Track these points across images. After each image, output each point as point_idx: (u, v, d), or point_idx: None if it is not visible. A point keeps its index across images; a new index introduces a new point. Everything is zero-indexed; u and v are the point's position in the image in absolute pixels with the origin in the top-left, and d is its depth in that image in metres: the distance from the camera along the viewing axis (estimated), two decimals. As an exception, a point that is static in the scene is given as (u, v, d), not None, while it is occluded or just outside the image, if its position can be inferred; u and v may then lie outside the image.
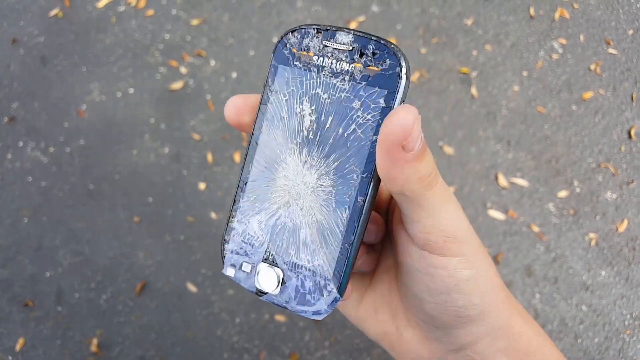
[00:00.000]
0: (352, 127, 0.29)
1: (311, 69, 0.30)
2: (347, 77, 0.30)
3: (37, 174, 1.65)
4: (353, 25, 1.76)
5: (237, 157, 1.63)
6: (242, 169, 0.33)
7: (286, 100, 0.31)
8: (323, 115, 0.30)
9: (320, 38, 0.30)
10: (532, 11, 1.79)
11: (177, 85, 1.71)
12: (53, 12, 1.82)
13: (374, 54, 0.29)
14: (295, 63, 0.31)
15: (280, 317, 1.50)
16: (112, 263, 1.56)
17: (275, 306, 0.33)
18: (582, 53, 1.75)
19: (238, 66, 1.74)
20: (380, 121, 0.29)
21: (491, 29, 1.77)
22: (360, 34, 0.29)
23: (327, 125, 0.30)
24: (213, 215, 1.58)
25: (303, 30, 0.31)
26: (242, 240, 0.32)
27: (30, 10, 1.84)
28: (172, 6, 1.82)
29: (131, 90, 1.72)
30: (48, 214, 1.61)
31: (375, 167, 0.29)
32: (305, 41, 0.31)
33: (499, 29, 1.77)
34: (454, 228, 0.30)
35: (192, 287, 1.53)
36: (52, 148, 1.67)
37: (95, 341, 1.49)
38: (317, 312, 0.30)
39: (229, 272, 0.33)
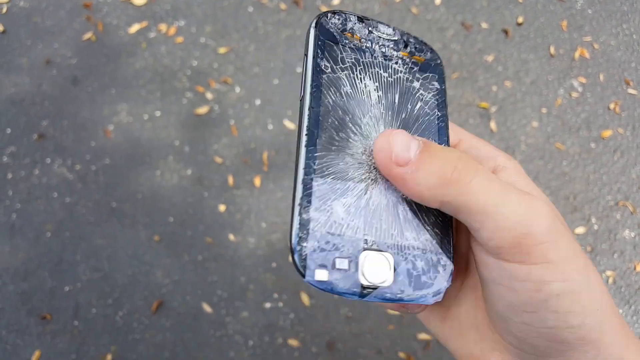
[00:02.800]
0: (419, 104, 0.32)
1: (363, 49, 0.32)
2: (400, 61, 0.33)
3: (62, 190, 1.78)
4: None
5: (257, 182, 1.75)
6: (305, 146, 0.28)
7: (346, 74, 0.30)
8: (389, 91, 0.31)
9: (364, 25, 0.32)
10: (552, 50, 1.91)
11: (203, 110, 1.86)
12: (86, 36, 2.00)
13: (415, 46, 0.33)
14: (344, 41, 0.31)
15: (293, 342, 1.58)
16: (130, 280, 1.67)
17: (386, 303, 0.28)
18: (602, 92, 1.86)
19: (262, 94, 1.88)
20: (439, 100, 0.33)
21: (511, 66, 1.90)
22: (400, 30, 0.33)
23: (396, 101, 0.31)
24: (232, 237, 1.69)
25: (344, 14, 0.32)
26: (328, 232, 0.27)
27: (65, 34, 2.01)
28: (201, 34, 1.98)
29: (158, 113, 1.87)
30: (70, 229, 1.73)
31: (448, 139, 0.32)
32: (349, 25, 0.32)
33: (519, 66, 1.90)
34: (526, 224, 0.25)
35: (207, 308, 1.62)
36: (78, 166, 1.81)
37: (109, 357, 1.58)
38: (437, 293, 0.28)
39: (320, 275, 0.26)
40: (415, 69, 0.33)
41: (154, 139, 1.83)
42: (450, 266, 0.29)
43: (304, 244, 0.26)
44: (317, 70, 0.30)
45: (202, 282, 1.65)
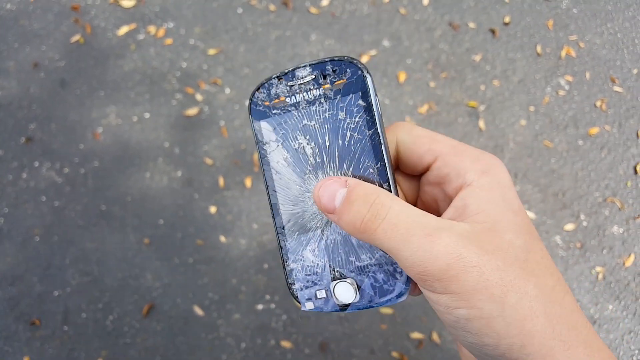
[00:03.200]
0: (348, 134, 0.34)
1: (289, 109, 0.35)
2: (322, 99, 0.34)
3: (50, 193, 1.73)
4: (364, 59, 1.88)
5: (248, 182, 1.72)
6: (274, 218, 0.36)
7: (282, 144, 0.35)
8: (320, 138, 0.34)
9: (283, 82, 0.35)
10: (539, 49, 1.90)
11: (193, 111, 1.82)
12: (74, 39, 1.95)
13: (334, 71, 0.34)
14: (273, 112, 0.35)
15: (286, 344, 1.55)
16: (120, 284, 1.62)
17: (363, 310, 0.39)
18: (588, 90, 1.86)
19: (252, 94, 1.84)
20: (366, 117, 0.34)
21: (499, 65, 1.88)
22: (314, 62, 0.34)
23: (328, 143, 0.34)
24: (222, 238, 1.65)
25: (266, 84, 0.35)
26: (305, 275, 0.35)
27: (53, 36, 1.97)
28: (190, 36, 1.95)
29: (147, 115, 1.83)
30: (59, 233, 1.68)
31: (384, 154, 0.33)
32: (273, 91, 0.35)
33: (506, 65, 1.89)
34: (424, 266, 0.28)
35: (198, 311, 1.58)
36: (67, 169, 1.76)
37: (100, 362, 1.54)
38: (399, 294, 0.34)
39: (309, 306, 0.35)
40: (338, 97, 0.34)
41: (144, 141, 1.79)
42: (404, 272, 0.32)
43: (294, 287, 0.35)
44: (262, 153, 0.35)
45: (193, 285, 1.61)
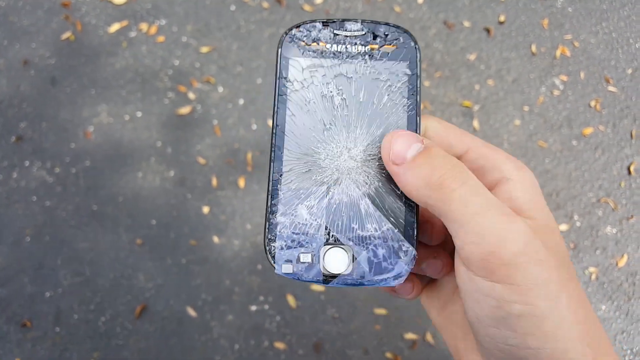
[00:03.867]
0: (386, 96, 0.32)
1: (327, 55, 0.32)
2: (367, 57, 0.32)
3: (41, 193, 1.66)
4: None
5: (241, 182, 1.65)
6: (272, 161, 0.32)
7: (309, 86, 0.32)
8: (353, 92, 0.32)
9: (329, 29, 0.32)
10: (533, 48, 1.84)
11: (185, 110, 1.75)
12: (65, 36, 1.87)
13: (385, 35, 0.32)
14: (308, 53, 0.32)
15: (279, 345, 1.50)
16: (112, 285, 1.56)
17: (349, 287, 0.32)
18: (583, 90, 1.80)
19: (245, 93, 1.78)
20: (409, 86, 0.32)
21: (493, 65, 1.82)
22: (368, 21, 0.32)
23: (360, 100, 0.32)
24: (216, 239, 1.59)
25: (308, 24, 0.32)
26: (293, 232, 0.31)
27: (43, 33, 1.88)
28: (182, 33, 1.87)
29: (139, 114, 1.76)
30: (51, 233, 1.62)
31: (418, 126, 0.32)
32: (313, 34, 0.32)
33: (501, 65, 1.82)
34: (495, 243, 0.25)
35: (191, 312, 1.53)
36: (58, 168, 1.69)
37: (91, 365, 1.48)
38: (398, 276, 0.30)
39: (286, 269, 0.30)
40: (384, 59, 0.32)
41: (136, 140, 1.72)
42: (412, 252, 0.30)
43: (273, 244, 0.31)
44: (282, 90, 0.32)
45: (186, 286, 1.55)
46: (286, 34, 0.33)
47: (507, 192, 0.30)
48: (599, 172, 1.71)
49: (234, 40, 1.85)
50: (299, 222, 0.31)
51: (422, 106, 0.33)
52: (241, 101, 1.76)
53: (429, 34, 1.86)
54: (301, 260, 0.30)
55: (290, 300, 1.54)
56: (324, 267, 0.30)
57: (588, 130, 1.75)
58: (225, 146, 1.70)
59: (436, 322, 0.36)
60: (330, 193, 0.31)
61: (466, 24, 1.87)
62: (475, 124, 1.74)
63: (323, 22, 0.32)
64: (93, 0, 1.92)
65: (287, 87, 0.32)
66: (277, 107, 0.32)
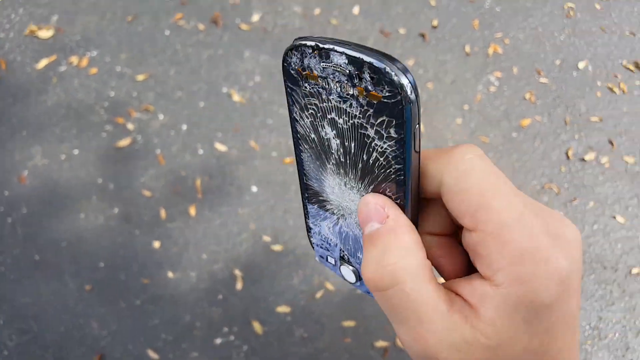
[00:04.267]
0: (374, 155, 0.27)
1: (320, 91, 0.27)
2: (354, 102, 0.26)
3: (-25, 248, 1.51)
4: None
5: (192, 211, 1.56)
6: (298, 176, 0.32)
7: (310, 122, 0.29)
8: (345, 140, 0.28)
9: (317, 58, 0.26)
10: (467, 49, 1.86)
11: (125, 142, 1.64)
12: (-12, 76, 1.73)
13: (371, 77, 0.24)
14: (304, 85, 0.27)
15: (249, 376, 1.42)
16: (63, 338, 1.43)
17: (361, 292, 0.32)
18: (517, 84, 1.83)
19: (188, 118, 1.69)
20: (397, 152, 0.25)
21: (431, 68, 1.82)
22: (353, 55, 0.24)
23: (352, 150, 0.28)
24: (170, 274, 1.49)
25: (301, 48, 0.26)
26: (321, 239, 0.34)
27: (-37, 76, 1.73)
28: (116, 63, 1.76)
29: (76, 152, 1.63)
30: (-11, 290, 1.47)
31: (407, 194, 0.27)
32: (306, 60, 0.27)
33: (438, 68, 1.83)
34: (411, 353, 0.26)
35: (153, 354, 1.42)
36: (-9, 219, 1.54)
37: None
38: None
39: (320, 260, 0.35)
40: (370, 111, 0.25)
41: (74, 180, 1.60)
42: None
43: (311, 239, 0.34)
44: (293, 118, 0.29)
45: (143, 328, 1.44)
46: (284, 57, 0.27)
47: (482, 294, 0.24)
48: (540, 161, 1.74)
49: (171, 66, 1.77)
50: (323, 234, 0.33)
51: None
52: (184, 127, 1.68)
53: (368, 43, 1.84)
54: (328, 261, 0.34)
55: (256, 326, 1.47)
56: (341, 273, 0.34)
57: (526, 122, 1.78)
58: (171, 175, 1.61)
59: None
60: (339, 223, 0.32)
61: (401, 31, 1.87)
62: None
63: (312, 47, 0.26)
64: (17, 36, 1.78)
65: (296, 116, 0.29)
66: (294, 134, 0.30)
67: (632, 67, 1.90)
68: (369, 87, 0.24)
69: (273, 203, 1.59)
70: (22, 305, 1.45)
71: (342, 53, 0.24)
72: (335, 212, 0.31)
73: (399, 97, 0.23)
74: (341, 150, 0.28)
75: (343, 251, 0.33)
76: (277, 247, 1.54)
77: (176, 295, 1.48)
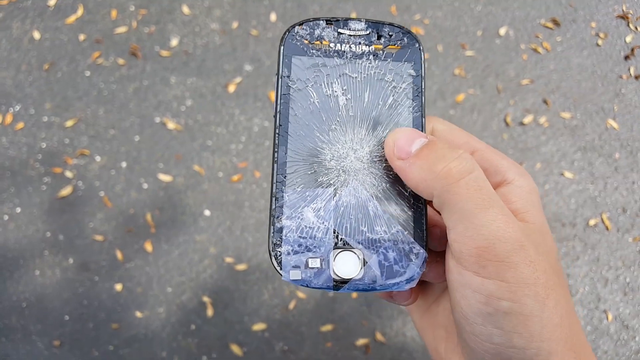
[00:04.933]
0: (391, 97, 0.32)
1: (331, 54, 0.32)
2: (371, 57, 0.32)
3: None
4: (231, 88, 1.81)
5: (148, 247, 1.59)
6: (275, 162, 0.31)
7: (312, 85, 0.32)
8: (358, 92, 0.32)
9: (332, 27, 0.32)
10: (390, 35, 1.95)
11: (66, 191, 1.66)
12: None
13: (390, 35, 0.32)
14: (311, 52, 0.32)
15: (235, 397, 1.47)
16: (39, 400, 1.45)
17: (361, 292, 0.30)
18: (445, 61, 1.93)
19: (126, 155, 1.72)
20: (414, 87, 0.32)
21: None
22: (373, 21, 0.33)
23: (365, 100, 0.32)
24: (138, 314, 1.52)
25: (311, 23, 0.32)
26: (299, 236, 0.30)
27: None
28: (42, 114, 1.77)
29: (18, 210, 1.64)
30: (-47, 369, 1.47)
31: (423, 128, 0.32)
32: (317, 32, 0.32)
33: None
34: (491, 239, 0.26)
35: (134, 397, 1.45)
36: (-59, 296, 1.54)
37: None
38: (410, 279, 0.30)
39: (294, 275, 0.29)
40: (388, 60, 0.32)
41: (23, 238, 1.60)
42: (423, 254, 0.30)
43: (278, 249, 0.30)
44: (285, 88, 0.31)
45: (120, 373, 1.47)
46: (288, 31, 0.32)
47: (506, 195, 0.31)
48: (481, 132, 1.84)
49: (98, 106, 1.78)
50: (305, 226, 0.30)
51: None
52: (124, 164, 1.70)
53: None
54: (310, 266, 0.29)
55: (235, 349, 1.51)
56: (334, 272, 0.29)
57: (460, 97, 1.88)
58: (120, 215, 1.63)
59: (418, 325, 0.36)
60: (337, 195, 0.30)
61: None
62: (360, 120, 1.81)
63: (327, 20, 0.32)
64: None
65: (290, 86, 0.32)
66: (280, 107, 0.31)
67: (550, 25, 2.02)
68: (387, 42, 0.33)
69: (229, 224, 1.63)
70: (-10, 377, 1.46)
71: (361, 20, 0.33)
72: (333, 182, 0.31)
73: (417, 44, 0.33)
74: (352, 103, 0.32)
75: (338, 234, 0.30)
76: (241, 267, 1.59)
77: (149, 333, 1.51)
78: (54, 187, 1.67)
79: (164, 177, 1.68)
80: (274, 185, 0.30)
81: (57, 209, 1.64)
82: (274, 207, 0.30)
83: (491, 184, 0.29)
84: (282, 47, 0.32)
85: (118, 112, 1.77)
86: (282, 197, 0.30)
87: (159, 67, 1.83)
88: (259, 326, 1.54)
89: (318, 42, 0.32)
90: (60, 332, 1.51)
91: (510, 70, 1.94)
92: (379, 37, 0.32)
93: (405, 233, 0.30)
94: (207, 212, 1.64)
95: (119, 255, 1.58)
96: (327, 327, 1.55)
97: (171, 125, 1.75)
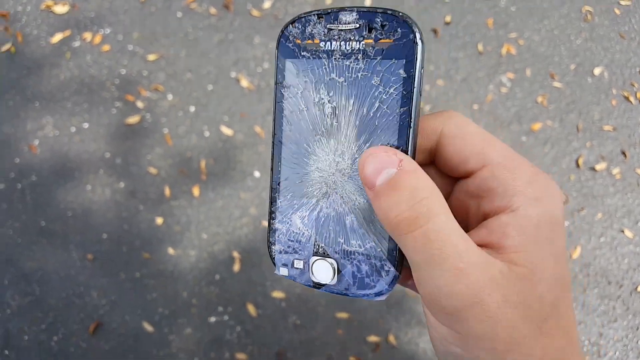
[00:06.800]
0: (377, 104, 0.31)
1: (320, 55, 0.32)
2: (360, 56, 0.31)
3: (-16, 212, 1.74)
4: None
5: (196, 191, 1.77)
6: (272, 170, 0.35)
7: (301, 92, 0.33)
8: (343, 99, 0.32)
9: (323, 23, 0.32)
10: (480, 47, 2.05)
11: (134, 119, 1.86)
12: (5, 48, 1.96)
13: (382, 26, 0.30)
14: (302, 54, 0.32)
15: (241, 356, 1.61)
16: (64, 303, 1.65)
17: (337, 295, 0.38)
18: (530, 86, 2.01)
19: (196, 100, 1.91)
20: (404, 92, 0.30)
21: (442, 65, 2.01)
22: (364, 10, 0.31)
23: (350, 108, 0.32)
24: (171, 251, 1.71)
25: (303, 18, 0.32)
26: (288, 239, 0.35)
27: (-20, 45, 1.97)
28: (128, 42, 1.99)
29: (86, 125, 1.86)
30: (-4, 253, 1.70)
31: (409, 139, 0.30)
32: (308, 29, 0.32)
33: (449, 65, 2.02)
34: (435, 295, 0.27)
35: (148, 327, 1.63)
36: (2, 184, 1.77)
37: (45, 386, 1.56)
38: (379, 293, 0.32)
39: (282, 271, 0.35)
40: (377, 59, 0.31)
41: (83, 153, 1.82)
42: (393, 272, 0.32)
43: (273, 247, 0.35)
44: (278, 97, 0.34)
45: (141, 301, 1.65)
46: (282, 32, 0.33)
47: (503, 227, 0.29)
48: (549, 167, 1.91)
49: (181, 48, 1.98)
50: (293, 230, 0.35)
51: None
52: (192, 108, 1.89)
53: (380, 36, 2.04)
54: (295, 266, 0.35)
55: (251, 309, 1.66)
56: (312, 275, 0.34)
57: (537, 126, 1.95)
58: (177, 155, 1.82)
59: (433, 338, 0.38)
60: (319, 206, 0.33)
61: (415, 25, 2.06)
62: (428, 123, 1.92)
63: (317, 14, 0.32)
64: (33, 10, 2.01)
65: (283, 94, 0.33)
66: (275, 115, 0.34)
67: (651, 76, 2.06)
68: (379, 36, 0.31)
69: (275, 189, 1.79)
70: (27, 268, 1.67)
71: (352, 10, 0.31)
72: (316, 193, 0.34)
73: (412, 35, 0.30)
74: (337, 111, 0.32)
75: (318, 243, 0.34)
76: (276, 233, 1.73)
77: (175, 272, 1.69)
78: (123, 113, 1.87)
79: (226, 130, 1.86)
80: (271, 190, 0.35)
81: (121, 133, 1.85)
82: (270, 210, 0.35)
83: (495, 208, 0.29)
84: (277, 51, 0.34)
85: (198, 58, 1.96)
86: (276, 202, 0.35)
87: (246, 25, 2.01)
88: (278, 294, 1.68)
89: (310, 41, 0.32)
90: (96, 248, 1.71)
91: (595, 112, 2.00)
92: (369, 30, 0.31)
93: (379, 250, 0.32)
94: (256, 174, 1.80)
95: (167, 191, 1.77)
96: (343, 315, 1.67)
97: (244, 83, 1.93)
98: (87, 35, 1.98)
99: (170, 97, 1.90)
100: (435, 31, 2.05)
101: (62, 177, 1.78)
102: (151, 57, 1.96)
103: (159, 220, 1.73)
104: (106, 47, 1.97)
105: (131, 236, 1.72)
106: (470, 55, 2.03)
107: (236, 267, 1.70)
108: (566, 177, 1.90)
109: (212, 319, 1.65)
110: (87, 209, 1.75)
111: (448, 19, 2.07)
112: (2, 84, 1.91)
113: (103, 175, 1.79)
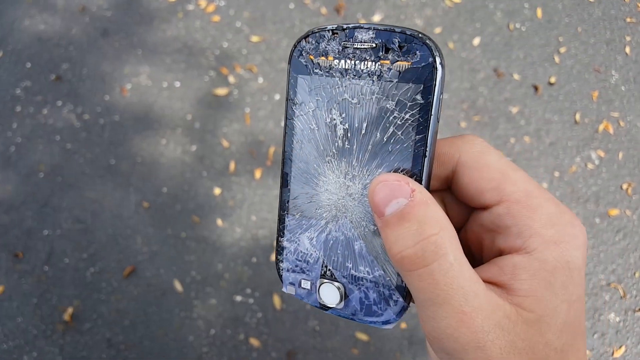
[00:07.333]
0: (391, 129, 0.30)
1: (334, 74, 0.31)
2: (375, 77, 0.30)
3: (65, 135, 1.89)
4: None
5: (257, 174, 1.85)
6: (281, 188, 0.34)
7: (313, 111, 0.32)
8: (356, 121, 0.31)
9: (337, 40, 0.31)
10: (577, 117, 2.02)
11: (222, 91, 1.97)
12: (126, -7, 2.13)
13: (400, 47, 0.29)
14: (315, 71, 0.32)
15: (254, 342, 1.66)
16: (109, 240, 1.76)
17: (343, 318, 0.39)
18: (618, 170, 1.96)
19: (283, 90, 1.99)
20: (420, 119, 0.29)
21: (534, 123, 2.00)
22: (382, 28, 0.29)
23: (363, 131, 0.31)
24: (219, 222, 1.78)
25: (317, 34, 0.31)
26: (296, 259, 0.34)
27: (106, -14, 2.15)
28: (237, 18, 2.11)
29: (177, 84, 1.98)
30: (64, 175, 1.83)
31: (424, 168, 0.29)
32: (322, 45, 0.31)
33: (541, 125, 2.01)
34: (438, 336, 0.27)
35: (178, 286, 1.71)
36: (87, 115, 1.92)
37: (70, 310, 1.66)
38: (386, 322, 0.32)
39: (289, 290, 0.35)
40: (394, 82, 0.30)
41: (167, 108, 1.94)
42: (401, 303, 0.31)
43: (281, 265, 0.35)
44: (290, 114, 0.33)
45: (179, 259, 1.74)
46: (295, 46, 0.32)
47: (515, 269, 0.28)
48: (615, 256, 1.86)
49: (284, 37, 2.08)
50: (301, 250, 0.34)
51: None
52: (277, 96, 1.98)
53: (477, 77, 2.06)
54: (302, 286, 0.34)
55: (276, 300, 1.71)
56: (319, 297, 0.34)
57: (614, 212, 1.90)
58: (251, 135, 1.91)
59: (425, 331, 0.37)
60: (328, 228, 0.33)
61: (516, 76, 2.07)
62: (502, 176, 1.91)
63: (332, 30, 0.31)
64: (161, -34, 2.18)
65: (294, 110, 0.33)
66: (286, 132, 0.33)
67: None
68: (396, 57, 0.29)
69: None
70: (86, 198, 1.80)
71: (369, 28, 0.30)
72: (325, 215, 0.33)
73: (431, 59, 0.28)
74: (349, 133, 0.31)
75: (326, 265, 0.33)
76: (322, 236, 1.78)
77: (217, 242, 1.76)
78: (214, 83, 1.99)
79: (303, 125, 1.93)
80: (280, 207, 0.35)
81: (207, 101, 1.96)
82: (278, 228, 0.35)
83: (508, 247, 0.29)
84: (289, 66, 0.33)
85: (298, 51, 2.05)
86: (284, 221, 0.35)
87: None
88: (306, 296, 1.71)
89: (323, 58, 0.31)
90: (153, 198, 1.81)
91: (681, 216, 1.92)
92: (386, 51, 0.29)
93: (387, 279, 0.31)
94: (321, 175, 1.86)
95: (232, 165, 1.86)
96: (363, 336, 1.68)
97: (335, 85, 2.00)
98: (202, 2, 2.12)
99: (260, 80, 2.00)
100: (536, 87, 2.05)
101: (142, 124, 1.91)
102: (254, 38, 2.07)
103: (217, 191, 1.82)
104: (216, 18, 2.09)
105: (188, 197, 1.81)
106: (565, 122, 2.01)
107: (273, 256, 1.75)
108: (630, 272, 1.84)
109: (238, 298, 1.71)
110: (156, 160, 1.86)
111: (553, 79, 2.06)
112: (114, 24, 2.07)
113: (179, 134, 1.90)
